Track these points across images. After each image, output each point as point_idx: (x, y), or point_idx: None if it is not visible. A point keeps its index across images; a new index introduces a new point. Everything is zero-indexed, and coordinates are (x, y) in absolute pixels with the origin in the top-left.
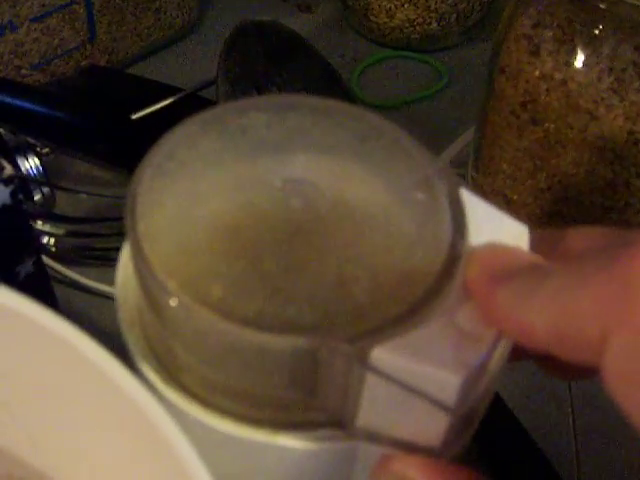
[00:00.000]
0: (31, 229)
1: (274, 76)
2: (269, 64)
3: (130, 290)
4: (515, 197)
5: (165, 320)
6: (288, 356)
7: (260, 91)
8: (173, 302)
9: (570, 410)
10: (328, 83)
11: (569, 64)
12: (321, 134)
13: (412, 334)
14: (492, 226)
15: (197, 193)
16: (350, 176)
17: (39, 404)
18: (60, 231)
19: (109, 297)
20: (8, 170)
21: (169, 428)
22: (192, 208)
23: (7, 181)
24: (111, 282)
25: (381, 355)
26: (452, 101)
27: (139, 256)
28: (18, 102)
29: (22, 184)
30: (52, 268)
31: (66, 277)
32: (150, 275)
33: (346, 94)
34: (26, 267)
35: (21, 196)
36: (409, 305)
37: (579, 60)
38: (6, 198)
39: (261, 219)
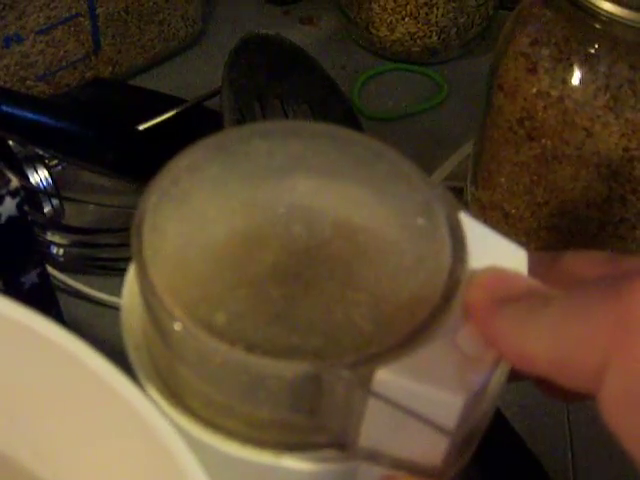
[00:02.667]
0: (36, 240)
1: (276, 88)
2: (271, 76)
3: (136, 311)
4: (513, 211)
5: (170, 343)
6: (291, 381)
7: (262, 102)
8: (177, 327)
9: (566, 419)
10: (329, 95)
11: (566, 82)
12: (323, 160)
13: (413, 357)
14: (491, 249)
15: (202, 219)
16: (352, 201)
17: (42, 413)
18: (68, 241)
19: (114, 307)
20: (15, 182)
21: (170, 437)
22: (197, 234)
23: (14, 193)
24: (116, 292)
25: (383, 378)
26: (452, 113)
27: (145, 280)
28: (26, 113)
29: (32, 196)
30: (57, 278)
31: (71, 287)
32: (155, 299)
33: (346, 106)
34: (31, 278)
35: (26, 208)
36: (410, 329)
37: (576, 78)
38: (13, 210)
39: (265, 245)
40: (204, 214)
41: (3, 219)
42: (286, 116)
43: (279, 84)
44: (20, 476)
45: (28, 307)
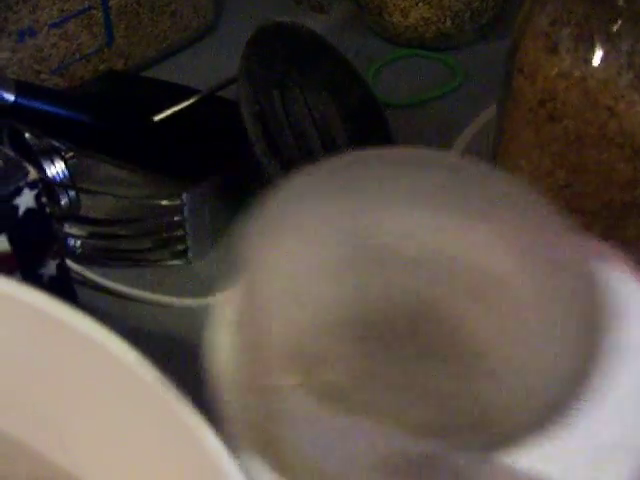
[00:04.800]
0: (54, 232)
1: (295, 76)
2: (290, 64)
3: (224, 349)
4: None
5: (271, 401)
6: (407, 455)
7: (282, 91)
8: (292, 387)
9: None
10: (349, 81)
11: (588, 61)
12: (442, 193)
13: (546, 445)
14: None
15: (313, 264)
16: (479, 247)
17: (65, 402)
18: (85, 233)
19: (132, 299)
20: (33, 174)
21: (200, 428)
22: (308, 282)
23: (32, 185)
24: (134, 284)
25: (508, 465)
26: (466, 99)
27: (252, 329)
28: (42, 105)
29: (49, 189)
30: (75, 271)
31: (89, 279)
32: (260, 351)
33: (367, 92)
34: (50, 270)
35: (44, 199)
36: (546, 409)
37: (598, 57)
38: (31, 202)
39: (378, 294)
40: (316, 257)
41: (21, 211)
42: (307, 105)
43: (298, 72)
44: (38, 464)
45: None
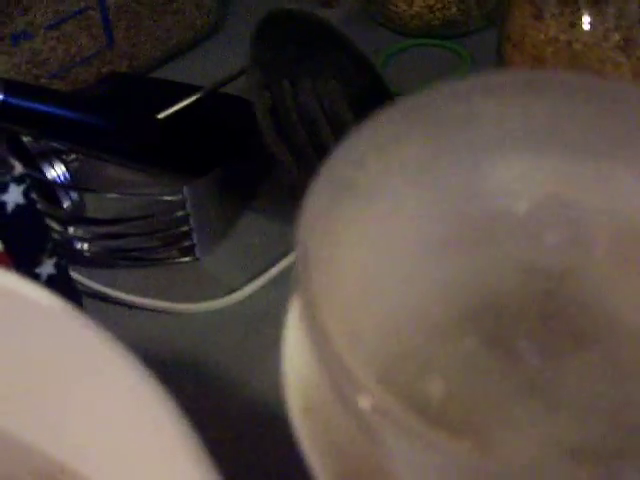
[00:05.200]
0: (47, 229)
1: (304, 63)
2: (300, 51)
3: (301, 367)
4: None
5: (356, 420)
6: None
7: (293, 80)
8: (365, 402)
9: None
10: (359, 70)
11: (574, 25)
12: (580, 128)
13: None
14: None
15: (397, 236)
16: (623, 195)
17: (45, 388)
18: (92, 235)
19: (140, 308)
20: (19, 168)
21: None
22: (391, 263)
23: (19, 180)
24: (142, 292)
25: None
26: None
27: (318, 335)
28: (40, 106)
29: (50, 192)
30: (81, 282)
31: (94, 289)
32: (335, 362)
33: (377, 80)
34: (47, 269)
35: (34, 195)
36: None
37: (584, 21)
38: (19, 197)
39: (497, 282)
40: (400, 228)
41: (10, 207)
42: (317, 93)
43: (307, 60)
44: (21, 451)
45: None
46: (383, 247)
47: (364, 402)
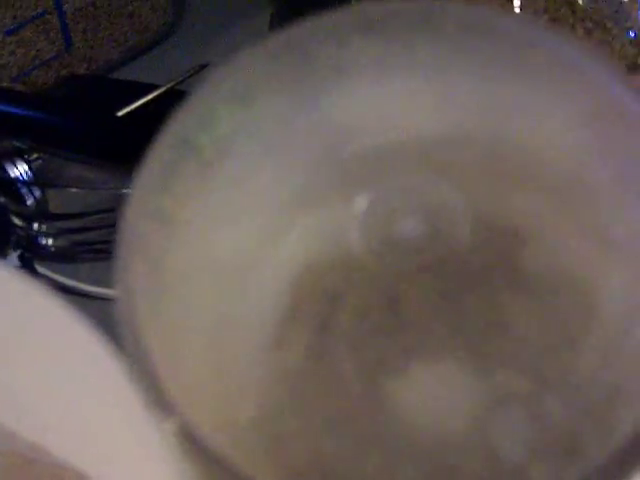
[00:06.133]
0: (9, 221)
1: None
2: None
3: None
4: None
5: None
6: None
7: None
8: (171, 425)
9: None
10: None
11: (504, 5)
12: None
13: None
14: None
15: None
16: (530, 125)
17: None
18: (56, 230)
19: (104, 299)
20: None
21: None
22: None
23: None
24: (106, 283)
25: None
26: None
27: (137, 350)
28: (3, 107)
29: (13, 190)
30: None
31: (56, 282)
32: (149, 380)
33: None
34: (12, 261)
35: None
36: None
37: (515, 4)
38: None
39: (346, 278)
40: (244, 201)
41: None
42: None
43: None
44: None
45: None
46: (226, 221)
47: (170, 425)
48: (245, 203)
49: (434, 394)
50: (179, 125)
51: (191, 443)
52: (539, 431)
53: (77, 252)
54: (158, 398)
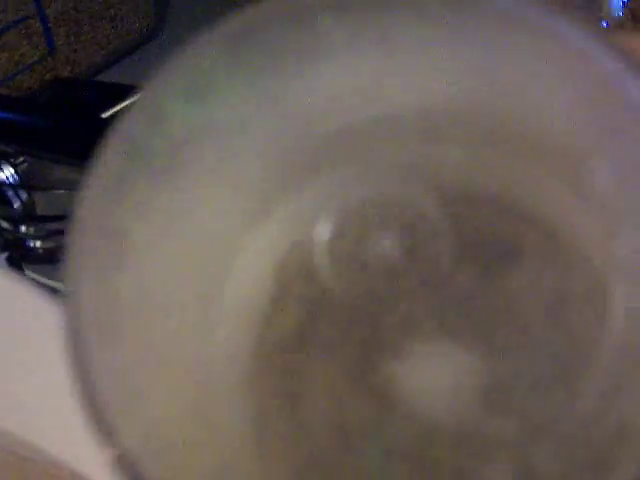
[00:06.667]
0: None
1: None
2: None
3: None
4: None
5: None
6: None
7: None
8: (109, 454)
9: None
10: None
11: None
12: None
13: None
14: None
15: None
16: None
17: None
18: (44, 232)
19: None
20: None
21: None
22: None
23: None
24: None
25: None
26: None
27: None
28: None
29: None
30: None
31: (44, 284)
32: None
33: None
34: (0, 263)
35: None
36: None
37: None
38: None
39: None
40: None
41: None
42: None
43: None
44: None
45: None
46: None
47: (108, 454)
48: (209, 204)
49: (431, 375)
50: (128, 127)
51: (129, 476)
52: None
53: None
54: (97, 424)
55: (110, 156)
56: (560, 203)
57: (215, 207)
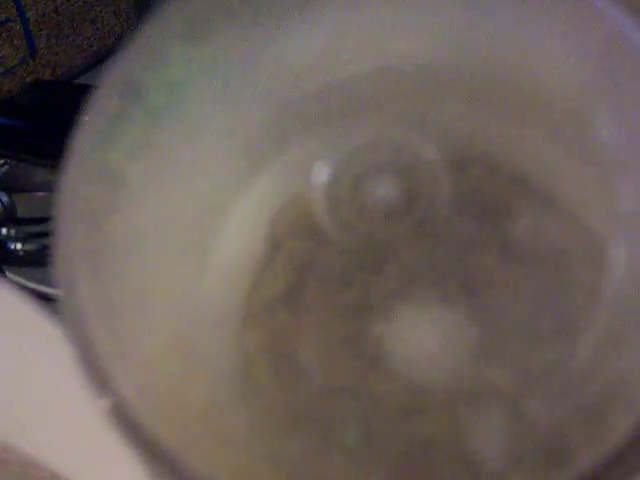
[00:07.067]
0: None
1: None
2: None
3: None
4: None
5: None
6: None
7: None
8: (104, 403)
9: None
10: None
11: None
12: None
13: None
14: None
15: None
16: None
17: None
18: (25, 234)
19: None
20: None
21: None
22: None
23: None
24: None
25: None
26: None
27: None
28: None
29: None
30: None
31: (26, 287)
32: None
33: None
34: None
35: None
36: None
37: None
38: None
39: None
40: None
41: None
42: None
43: None
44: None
45: None
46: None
47: (103, 402)
48: (205, 151)
49: (420, 339)
50: (125, 67)
51: (125, 424)
52: (519, 435)
53: (46, 256)
54: (91, 372)
55: (106, 96)
56: (559, 165)
57: (211, 155)
